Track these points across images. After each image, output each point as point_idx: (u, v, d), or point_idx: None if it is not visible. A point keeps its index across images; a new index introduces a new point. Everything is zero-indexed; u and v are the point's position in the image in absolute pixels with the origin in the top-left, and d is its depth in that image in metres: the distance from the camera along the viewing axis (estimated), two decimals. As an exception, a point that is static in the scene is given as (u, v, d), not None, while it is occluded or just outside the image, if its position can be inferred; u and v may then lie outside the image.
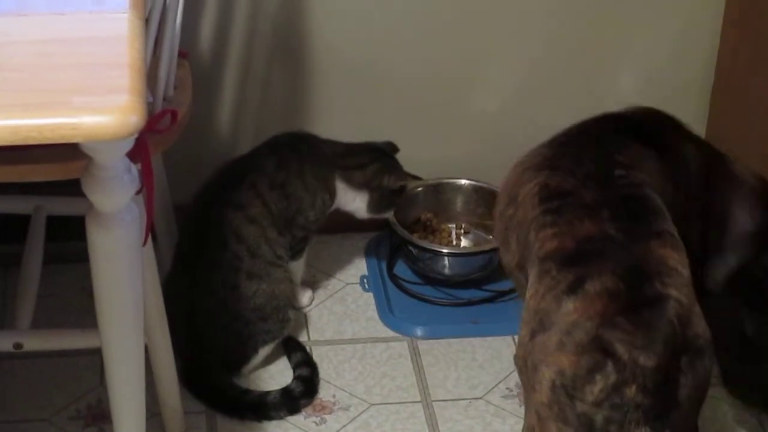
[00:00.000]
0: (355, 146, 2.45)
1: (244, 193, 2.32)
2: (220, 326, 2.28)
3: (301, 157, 2.38)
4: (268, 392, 2.29)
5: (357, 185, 2.42)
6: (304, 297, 2.51)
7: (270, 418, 2.26)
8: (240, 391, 2.29)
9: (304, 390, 2.29)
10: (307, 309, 2.51)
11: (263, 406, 2.26)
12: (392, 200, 2.47)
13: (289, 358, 2.37)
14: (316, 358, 2.40)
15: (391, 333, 2.48)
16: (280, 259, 2.33)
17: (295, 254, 2.39)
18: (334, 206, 2.43)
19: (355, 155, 2.44)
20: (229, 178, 2.35)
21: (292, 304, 2.36)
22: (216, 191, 2.35)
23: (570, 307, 1.70)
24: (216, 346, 2.29)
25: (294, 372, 2.34)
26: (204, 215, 2.33)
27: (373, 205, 2.44)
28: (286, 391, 2.28)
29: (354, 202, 2.44)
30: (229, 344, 2.29)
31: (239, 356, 2.31)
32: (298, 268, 2.43)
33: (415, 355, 2.43)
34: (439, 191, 2.65)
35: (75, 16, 1.59)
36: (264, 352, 2.33)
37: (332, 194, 2.41)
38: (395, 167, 2.46)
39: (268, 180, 2.34)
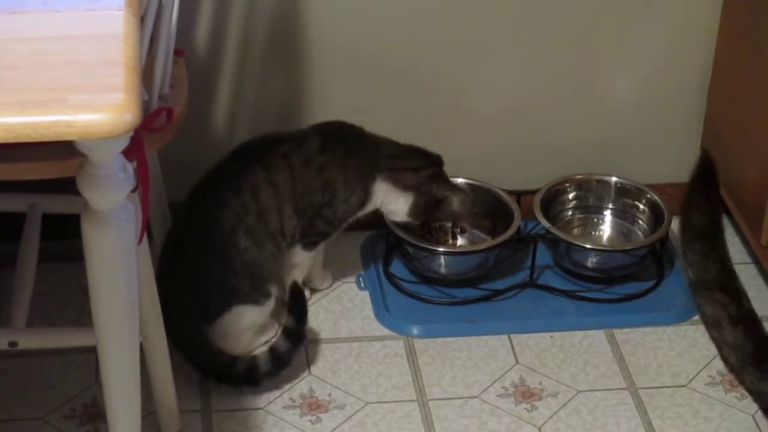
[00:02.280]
0: (409, 148, 2.45)
1: (275, 159, 2.33)
2: (206, 263, 2.28)
3: (348, 150, 2.38)
4: (237, 359, 2.27)
5: (404, 187, 2.41)
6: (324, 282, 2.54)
7: (230, 384, 2.28)
8: (210, 350, 2.27)
9: (272, 367, 2.27)
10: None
11: (227, 374, 2.26)
12: (431, 210, 2.45)
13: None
14: (311, 356, 2.40)
15: (387, 332, 2.48)
16: (282, 236, 2.33)
17: (307, 244, 2.39)
18: (366, 210, 2.43)
19: (409, 157, 2.43)
20: (266, 143, 2.37)
21: (276, 282, 2.34)
22: (249, 149, 2.36)
23: None
24: (196, 285, 2.29)
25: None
26: (230, 164, 2.34)
27: (415, 210, 2.43)
28: (252, 359, 2.27)
29: (397, 202, 2.43)
30: (209, 287, 2.29)
31: (215, 304, 2.30)
32: (304, 259, 2.43)
33: (411, 353, 2.43)
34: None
35: (70, 14, 1.59)
36: (239, 312, 2.30)
37: (368, 196, 2.40)
38: (444, 178, 2.45)
39: (303, 157, 2.34)
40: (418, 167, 2.43)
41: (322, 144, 2.36)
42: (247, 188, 2.30)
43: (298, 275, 2.45)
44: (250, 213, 2.29)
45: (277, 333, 2.35)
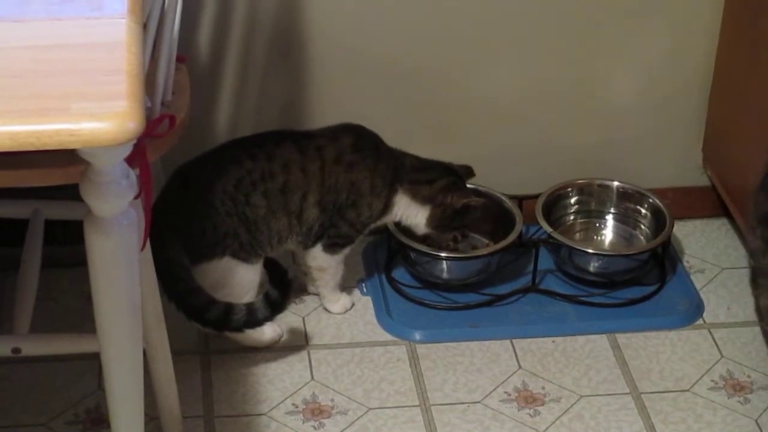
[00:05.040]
0: (428, 162, 2.47)
1: (311, 149, 2.36)
2: (213, 202, 2.28)
3: (379, 154, 2.41)
4: (215, 302, 2.25)
5: (422, 200, 2.44)
6: (337, 304, 2.52)
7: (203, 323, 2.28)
8: (192, 286, 2.25)
9: (247, 320, 2.27)
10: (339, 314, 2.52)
11: (201, 313, 2.26)
12: (451, 222, 2.46)
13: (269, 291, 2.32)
14: (314, 362, 2.40)
15: (389, 337, 2.48)
16: (298, 222, 2.35)
17: (328, 245, 2.41)
18: (384, 220, 2.45)
19: (426, 171, 2.45)
20: (302, 134, 2.40)
21: (265, 252, 2.34)
22: (288, 133, 2.40)
23: None
24: (197, 219, 2.28)
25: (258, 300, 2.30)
26: (269, 135, 2.38)
27: (433, 221, 2.44)
28: (227, 309, 2.26)
29: (416, 216, 2.45)
30: (205, 226, 2.29)
31: (205, 247, 2.30)
32: (328, 262, 2.44)
33: (414, 359, 2.43)
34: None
35: (73, 22, 1.60)
36: (227, 264, 2.30)
37: (388, 206, 2.43)
38: (460, 187, 2.46)
39: (335, 153, 2.36)
40: (433, 180, 2.45)
41: (355, 143, 2.39)
42: (280, 159, 2.33)
43: (329, 280, 2.47)
44: (276, 180, 2.31)
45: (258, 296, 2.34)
